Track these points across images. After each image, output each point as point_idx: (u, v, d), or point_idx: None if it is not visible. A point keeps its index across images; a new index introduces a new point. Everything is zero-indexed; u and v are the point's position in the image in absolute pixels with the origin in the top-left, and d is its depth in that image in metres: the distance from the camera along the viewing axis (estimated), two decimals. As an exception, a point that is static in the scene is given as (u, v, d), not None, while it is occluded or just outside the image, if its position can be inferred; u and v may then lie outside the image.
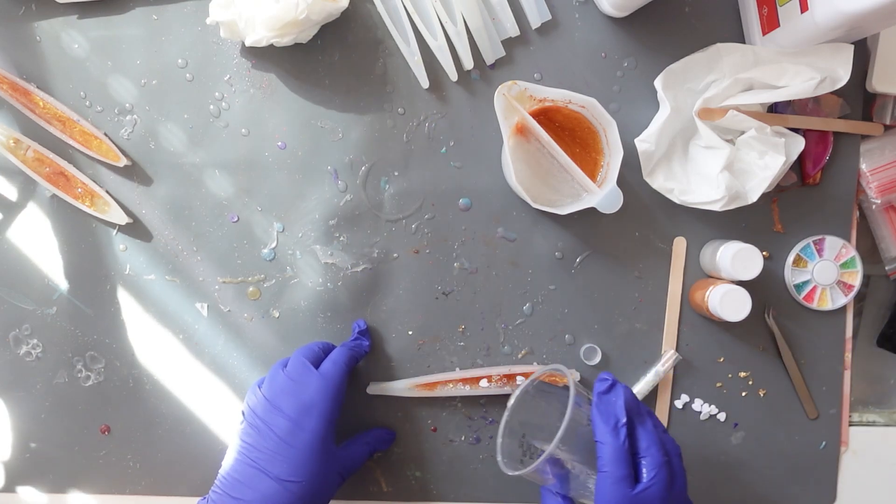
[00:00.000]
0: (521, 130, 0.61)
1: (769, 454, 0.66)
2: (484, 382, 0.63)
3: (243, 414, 0.57)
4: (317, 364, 0.57)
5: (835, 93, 0.61)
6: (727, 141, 0.61)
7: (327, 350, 0.60)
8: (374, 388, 0.64)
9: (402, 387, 0.63)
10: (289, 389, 0.55)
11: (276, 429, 0.54)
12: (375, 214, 0.64)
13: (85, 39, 0.63)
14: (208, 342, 0.65)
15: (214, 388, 0.65)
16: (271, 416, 0.54)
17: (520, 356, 0.65)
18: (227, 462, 0.55)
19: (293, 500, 0.53)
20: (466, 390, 0.63)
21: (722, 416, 0.65)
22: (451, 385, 0.63)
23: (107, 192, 0.63)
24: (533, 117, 0.58)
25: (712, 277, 0.63)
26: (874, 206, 0.65)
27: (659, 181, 0.61)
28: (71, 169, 0.62)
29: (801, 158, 0.64)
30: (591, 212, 0.59)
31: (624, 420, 0.49)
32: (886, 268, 0.67)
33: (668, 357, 0.64)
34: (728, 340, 0.65)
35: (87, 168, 0.64)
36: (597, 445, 0.49)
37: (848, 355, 0.66)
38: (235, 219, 0.64)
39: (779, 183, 0.63)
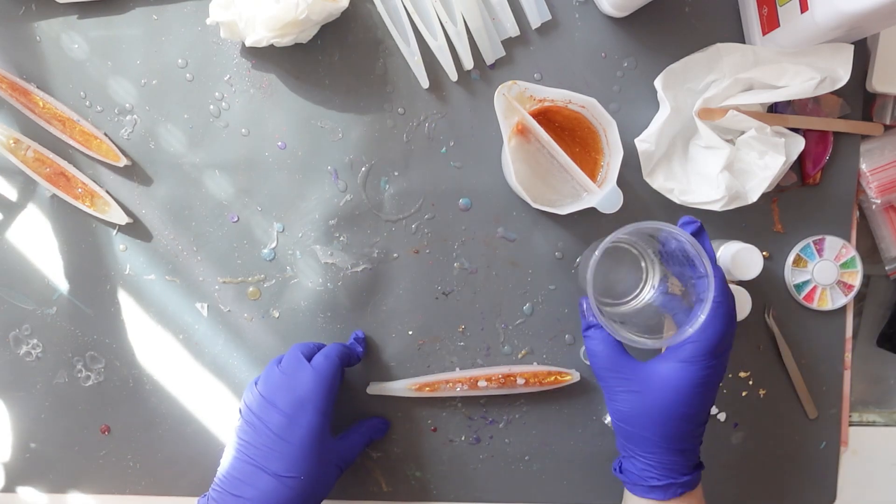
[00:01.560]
0: (522, 131, 0.61)
1: (769, 454, 0.66)
2: (483, 382, 0.63)
3: (240, 411, 0.57)
4: (310, 359, 0.58)
5: (835, 93, 0.61)
6: (727, 141, 0.61)
7: (320, 348, 0.60)
8: (373, 389, 0.64)
9: (401, 387, 0.63)
10: (283, 385, 0.56)
11: (271, 425, 0.54)
12: (375, 214, 0.64)
13: (85, 39, 0.63)
14: (208, 342, 0.65)
15: (214, 388, 0.65)
16: (266, 412, 0.55)
17: (520, 356, 0.65)
18: (226, 460, 0.55)
19: (292, 495, 0.53)
20: (466, 390, 0.63)
21: (722, 416, 0.65)
22: (451, 385, 0.63)
23: (107, 192, 0.63)
24: (533, 117, 0.58)
25: (712, 277, 0.63)
26: (874, 206, 0.65)
27: (659, 181, 0.61)
28: (71, 169, 0.62)
29: (801, 158, 0.64)
30: (591, 212, 0.59)
31: (714, 257, 0.51)
32: (886, 268, 0.67)
33: (668, 357, 0.64)
34: (728, 340, 0.65)
35: (87, 168, 0.64)
36: (702, 280, 0.49)
37: (848, 355, 0.66)
38: (235, 219, 0.64)
39: (779, 183, 0.63)
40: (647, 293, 0.60)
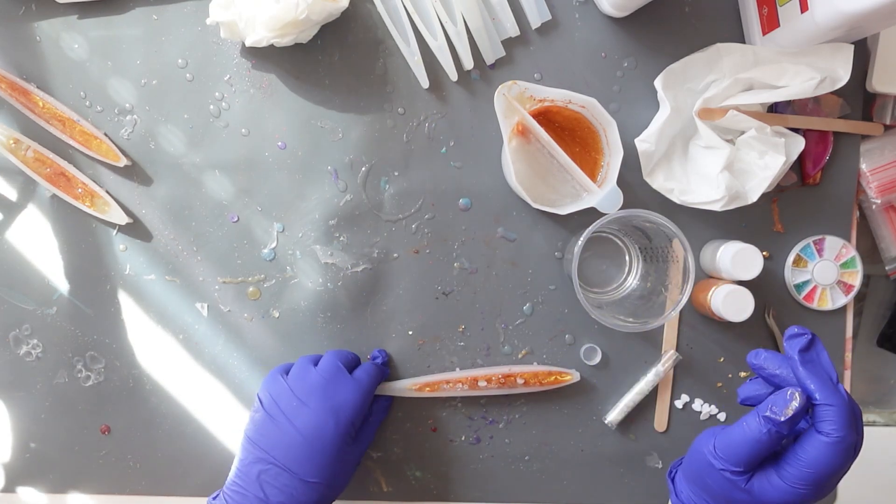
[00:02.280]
0: (522, 131, 0.61)
1: (769, 454, 0.66)
2: (483, 382, 0.63)
3: (261, 401, 0.55)
4: (349, 370, 0.58)
5: (835, 93, 0.61)
6: (727, 141, 0.61)
7: (355, 360, 0.61)
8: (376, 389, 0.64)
9: (402, 387, 0.63)
10: (319, 387, 0.55)
11: (300, 425, 0.53)
12: (375, 214, 0.64)
13: (85, 39, 0.63)
14: (208, 342, 0.65)
15: (214, 388, 0.65)
16: (296, 411, 0.53)
17: (520, 356, 0.65)
18: (245, 456, 0.54)
19: (317, 498, 0.53)
20: (466, 390, 0.63)
21: (722, 416, 0.65)
22: (451, 385, 0.63)
23: (107, 192, 0.63)
24: (533, 117, 0.58)
25: (713, 278, 0.63)
26: (874, 206, 0.65)
27: (659, 181, 0.61)
28: (71, 169, 0.62)
29: (801, 158, 0.64)
30: (591, 212, 0.59)
31: (836, 375, 0.44)
32: (886, 268, 0.67)
33: (668, 357, 0.64)
34: (728, 340, 0.65)
35: (87, 168, 0.64)
36: (818, 409, 0.43)
37: (848, 355, 0.66)
38: (235, 219, 0.64)
39: (779, 183, 0.63)
40: (630, 283, 0.63)
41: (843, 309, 0.65)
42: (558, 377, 0.63)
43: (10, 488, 0.66)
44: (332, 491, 0.54)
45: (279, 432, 0.53)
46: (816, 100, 0.63)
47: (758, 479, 0.46)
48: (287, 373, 0.57)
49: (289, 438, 0.53)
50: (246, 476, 0.53)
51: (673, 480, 0.53)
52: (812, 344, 0.45)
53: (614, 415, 0.64)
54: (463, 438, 0.65)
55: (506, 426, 0.65)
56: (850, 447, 0.43)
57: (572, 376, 0.64)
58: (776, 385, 0.47)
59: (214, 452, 0.65)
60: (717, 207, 0.60)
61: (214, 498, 0.54)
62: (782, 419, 0.43)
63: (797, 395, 0.43)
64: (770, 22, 0.59)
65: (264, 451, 0.53)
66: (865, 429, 0.67)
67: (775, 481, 0.45)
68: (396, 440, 0.65)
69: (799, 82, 0.59)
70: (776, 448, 0.45)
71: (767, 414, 0.43)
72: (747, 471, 0.46)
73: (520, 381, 0.63)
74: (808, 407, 0.44)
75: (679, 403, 0.65)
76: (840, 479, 0.45)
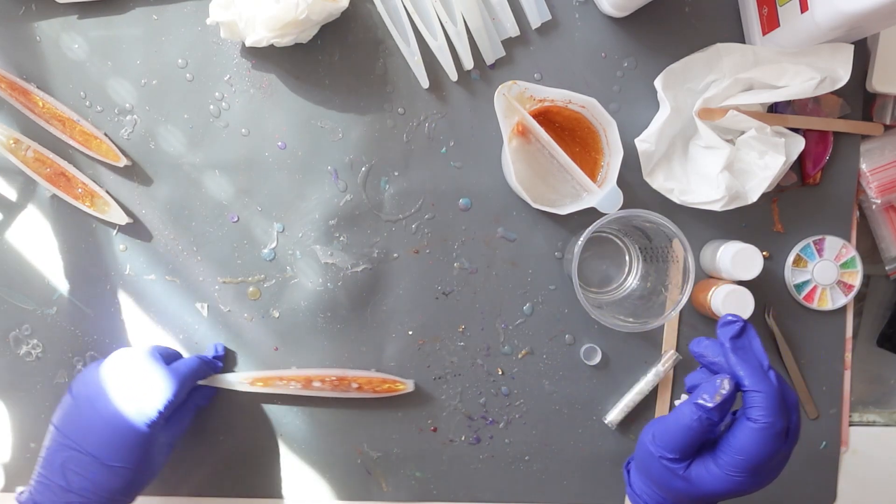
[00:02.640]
0: (522, 131, 0.61)
1: (769, 454, 0.66)
2: (317, 383, 0.62)
3: (70, 390, 0.55)
4: (168, 362, 0.58)
5: (835, 93, 0.61)
6: (727, 141, 0.61)
7: (176, 355, 0.61)
8: (209, 381, 0.63)
9: (234, 380, 0.63)
10: (129, 375, 0.54)
11: (106, 413, 0.52)
12: (375, 214, 0.64)
13: (85, 39, 0.63)
14: (208, 342, 0.65)
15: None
16: (99, 395, 0.52)
17: (520, 356, 0.65)
18: (50, 445, 0.53)
19: (123, 484, 0.52)
20: (299, 389, 0.63)
21: (722, 416, 0.66)
22: (285, 382, 0.63)
23: (107, 192, 0.63)
24: (533, 117, 0.58)
25: (713, 278, 0.63)
26: (874, 206, 0.65)
27: (659, 181, 0.61)
28: (71, 169, 0.62)
29: (801, 158, 0.64)
30: (591, 212, 0.59)
31: (767, 362, 0.44)
32: (886, 268, 0.67)
33: (668, 357, 0.64)
34: (728, 340, 0.65)
35: (87, 168, 0.64)
36: (746, 395, 0.44)
37: (848, 355, 0.66)
38: (235, 219, 0.64)
39: (779, 183, 0.63)
40: (630, 283, 0.63)
41: (843, 309, 0.65)
42: (392, 386, 0.63)
43: (10, 488, 0.66)
44: (139, 476, 0.53)
45: (81, 417, 0.52)
46: (816, 100, 0.63)
47: (696, 466, 0.46)
48: None
49: (90, 422, 0.52)
50: (50, 465, 0.52)
51: (629, 472, 0.53)
52: (744, 331, 0.45)
53: (614, 415, 0.64)
54: (463, 438, 0.65)
55: (506, 426, 0.65)
56: (778, 433, 0.43)
57: (406, 386, 0.63)
58: (715, 373, 0.47)
59: (215, 452, 0.65)
60: (717, 207, 0.60)
61: (21, 494, 0.53)
62: (711, 405, 0.43)
63: (726, 382, 0.44)
64: (770, 22, 0.59)
65: (66, 437, 0.52)
66: (866, 429, 0.67)
67: (712, 468, 0.45)
68: (396, 440, 0.65)
69: (799, 82, 0.59)
70: (710, 435, 0.45)
71: (699, 401, 0.44)
72: (684, 458, 0.46)
73: (354, 385, 0.63)
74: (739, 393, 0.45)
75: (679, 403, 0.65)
76: (778, 467, 0.45)
